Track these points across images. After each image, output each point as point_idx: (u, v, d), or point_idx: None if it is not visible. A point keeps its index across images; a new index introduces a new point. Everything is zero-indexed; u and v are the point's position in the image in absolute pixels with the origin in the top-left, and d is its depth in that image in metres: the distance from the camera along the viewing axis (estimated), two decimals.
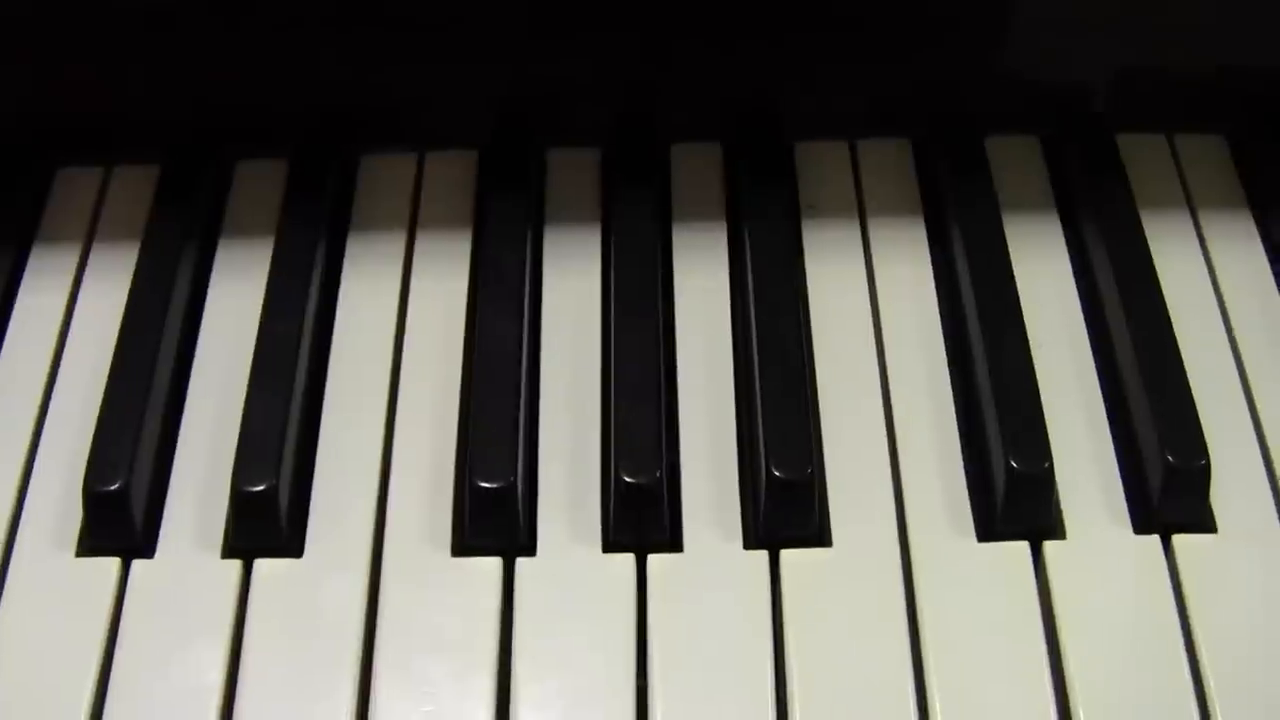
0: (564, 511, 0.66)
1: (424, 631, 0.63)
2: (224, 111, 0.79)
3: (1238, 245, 0.75)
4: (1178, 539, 0.65)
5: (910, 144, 0.80)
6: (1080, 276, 0.74)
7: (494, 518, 0.65)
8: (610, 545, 0.65)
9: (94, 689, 0.62)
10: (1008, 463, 0.64)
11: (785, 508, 0.64)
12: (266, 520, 0.65)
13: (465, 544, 0.65)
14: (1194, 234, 0.76)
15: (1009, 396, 0.67)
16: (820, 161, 0.79)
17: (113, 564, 0.65)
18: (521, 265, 0.73)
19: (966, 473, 0.67)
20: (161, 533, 0.66)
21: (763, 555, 0.64)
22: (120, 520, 0.65)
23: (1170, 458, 0.64)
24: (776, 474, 0.64)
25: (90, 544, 0.66)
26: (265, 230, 0.76)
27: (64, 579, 0.65)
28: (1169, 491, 0.65)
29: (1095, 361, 0.71)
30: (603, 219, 0.77)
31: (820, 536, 0.65)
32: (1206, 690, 0.60)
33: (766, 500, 0.64)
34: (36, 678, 0.62)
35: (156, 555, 0.66)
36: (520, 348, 0.69)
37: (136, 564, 0.65)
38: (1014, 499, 0.64)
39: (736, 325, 0.72)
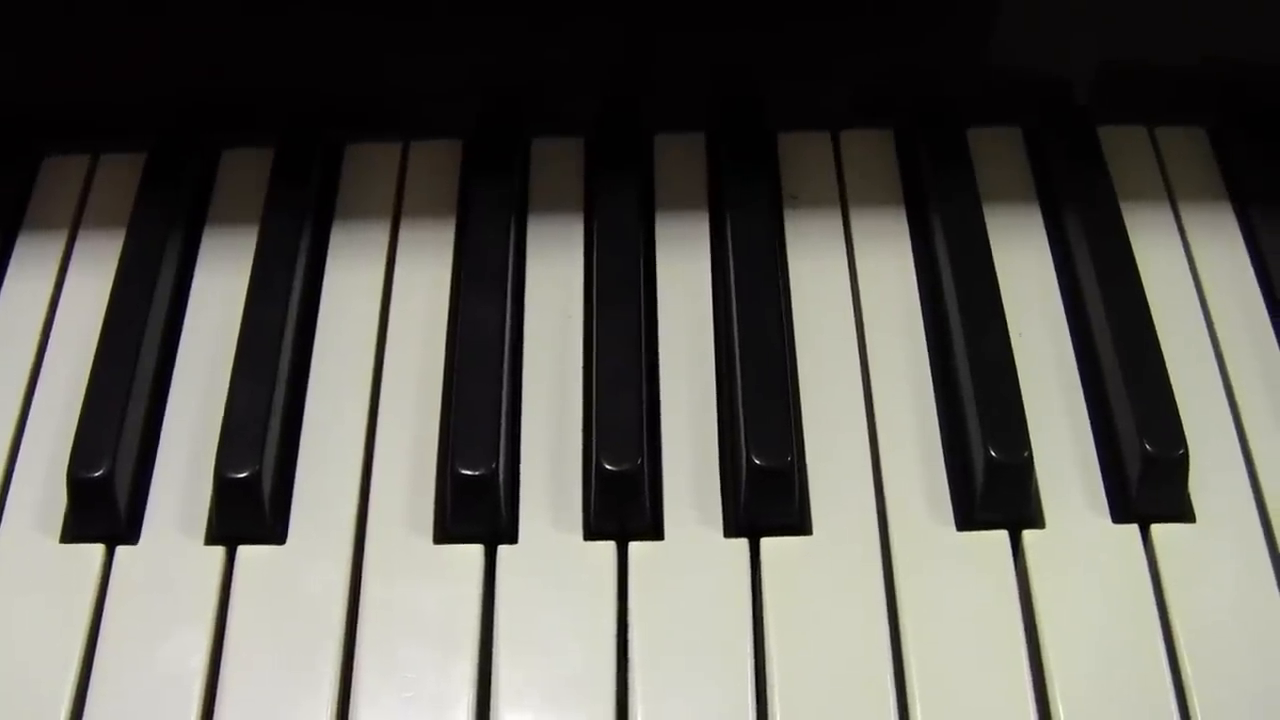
0: (545, 499, 0.66)
1: (406, 618, 0.63)
2: (210, 100, 0.79)
3: (1218, 237, 0.75)
4: (1156, 528, 0.65)
5: (893, 135, 0.80)
6: (1061, 267, 0.74)
7: (475, 505, 0.65)
8: (591, 533, 0.65)
9: (77, 675, 0.62)
10: (987, 452, 0.65)
11: (765, 495, 0.65)
12: (249, 507, 0.65)
13: (447, 531, 0.66)
14: (1174, 226, 0.76)
15: (989, 386, 0.67)
16: (803, 152, 0.79)
17: (97, 550, 0.65)
18: (505, 254, 0.73)
19: (946, 462, 0.67)
20: (145, 519, 0.67)
21: (743, 543, 0.65)
22: (104, 507, 0.66)
23: (1149, 447, 0.65)
24: (756, 462, 0.64)
25: (74, 531, 0.66)
26: (250, 218, 0.76)
27: (48, 565, 0.65)
28: (1147, 481, 0.65)
29: (1075, 352, 0.71)
30: (586, 208, 0.77)
31: (800, 524, 0.65)
32: (1184, 679, 0.61)
33: (747, 488, 0.65)
34: (20, 663, 0.62)
35: (140, 542, 0.66)
36: (502, 336, 0.69)
37: (120, 550, 0.65)
38: (993, 488, 0.65)
39: (718, 314, 0.72)
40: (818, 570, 0.64)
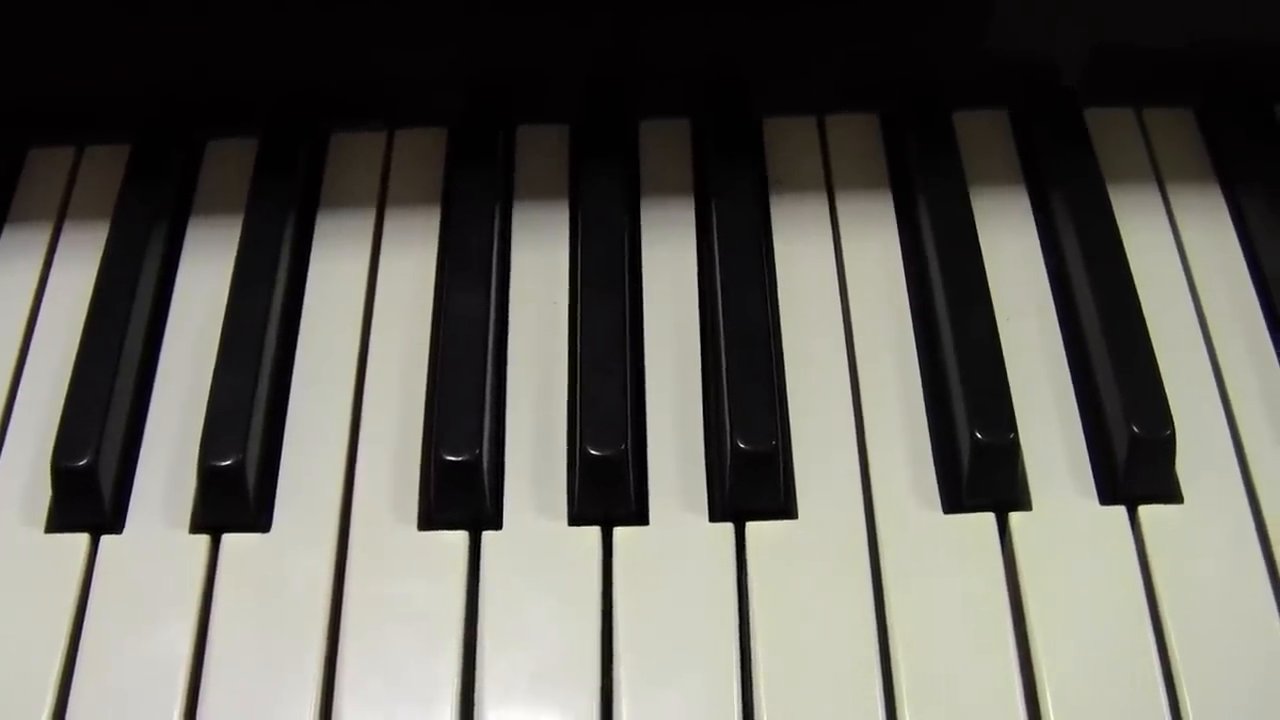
0: (530, 485, 0.66)
1: (390, 605, 0.63)
2: (194, 90, 0.79)
3: (1205, 218, 0.75)
4: (1144, 510, 0.65)
5: (879, 119, 0.80)
6: (1048, 250, 0.74)
7: (460, 491, 0.65)
8: (576, 518, 0.65)
9: (62, 663, 0.62)
10: (972, 434, 0.64)
11: (750, 480, 0.64)
12: (234, 495, 0.65)
13: (431, 518, 0.65)
14: (1162, 207, 0.76)
15: (974, 369, 0.67)
16: (789, 137, 0.79)
17: (81, 540, 0.65)
18: (489, 241, 0.73)
19: (932, 445, 0.67)
20: (130, 509, 0.67)
21: (728, 528, 0.64)
22: (88, 496, 0.66)
23: (1135, 428, 0.64)
24: (741, 446, 0.64)
25: (59, 520, 0.66)
26: (235, 208, 0.76)
27: (33, 555, 0.65)
28: (1134, 462, 0.65)
29: (1062, 334, 0.71)
30: (571, 194, 0.77)
31: (786, 509, 0.65)
32: (1172, 660, 0.61)
33: (731, 472, 0.64)
34: (4, 653, 0.62)
35: (125, 531, 0.66)
36: (487, 322, 0.69)
37: (105, 540, 0.65)
38: (979, 470, 0.65)
39: (704, 299, 0.72)
40: (803, 554, 0.64)
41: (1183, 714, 0.59)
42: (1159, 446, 0.65)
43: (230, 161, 0.79)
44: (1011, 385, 0.66)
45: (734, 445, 0.64)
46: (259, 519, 0.66)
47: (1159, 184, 0.77)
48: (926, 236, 0.73)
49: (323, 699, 0.61)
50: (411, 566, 0.64)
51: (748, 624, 0.62)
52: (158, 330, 0.73)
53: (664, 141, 0.79)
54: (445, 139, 0.80)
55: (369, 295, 0.73)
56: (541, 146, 0.79)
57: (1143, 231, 0.74)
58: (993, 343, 0.68)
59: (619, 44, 0.78)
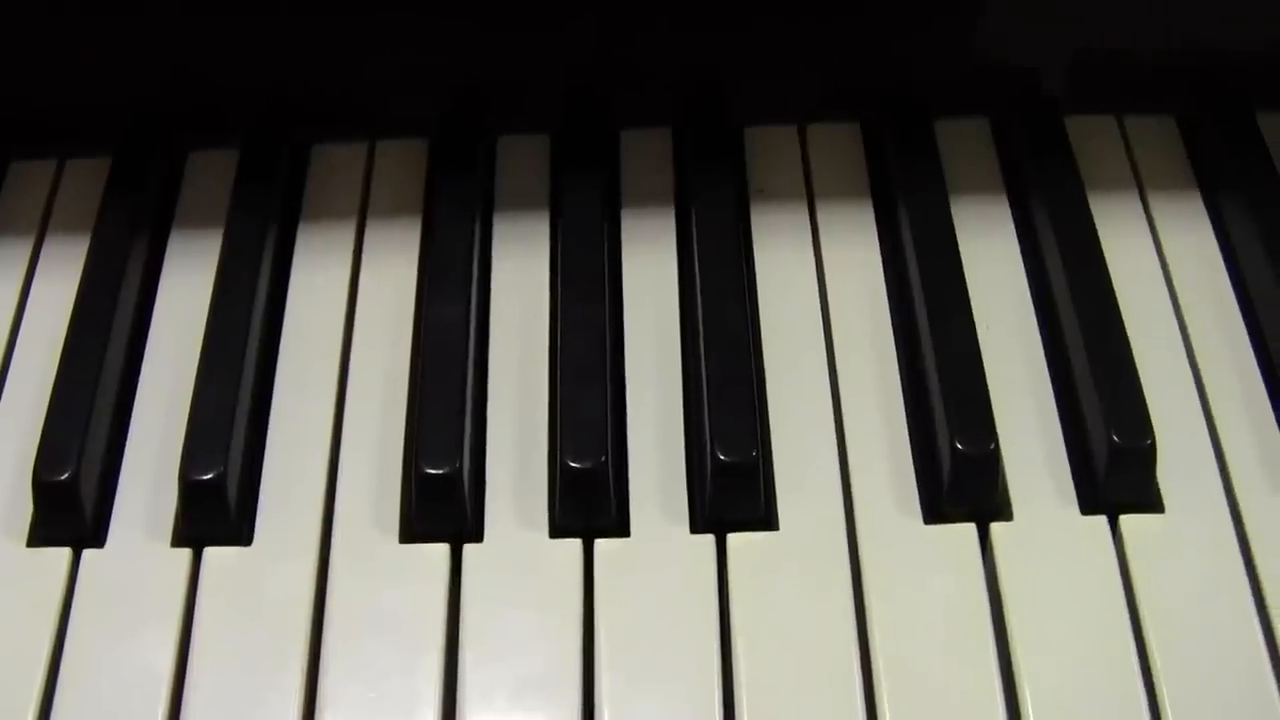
0: (511, 496, 0.66)
1: (372, 618, 0.63)
2: (176, 102, 0.79)
3: (1186, 225, 0.75)
4: (1125, 519, 0.65)
5: (860, 127, 0.80)
6: (1028, 258, 0.74)
7: (440, 503, 0.65)
8: (557, 531, 0.65)
9: (44, 677, 0.62)
10: (953, 444, 0.64)
11: (731, 491, 0.64)
12: (215, 509, 0.65)
13: (413, 531, 0.65)
14: (1143, 214, 0.76)
15: (955, 378, 0.67)
16: (770, 145, 0.79)
17: (63, 554, 0.65)
18: (470, 251, 0.73)
19: (913, 455, 0.67)
20: (112, 522, 0.67)
21: (709, 539, 0.64)
22: (70, 510, 0.66)
23: (1116, 438, 0.64)
24: (721, 457, 0.64)
25: (41, 534, 0.66)
26: (217, 220, 0.76)
27: (14, 569, 0.65)
28: (1115, 472, 0.65)
29: (1043, 343, 0.71)
30: (553, 204, 0.77)
31: (767, 520, 0.65)
32: (1153, 669, 0.61)
33: (712, 484, 0.64)
34: None
35: (107, 545, 0.66)
36: (467, 333, 0.69)
37: (87, 554, 0.65)
38: (959, 480, 0.65)
39: (685, 308, 0.72)
40: (784, 566, 0.64)
41: None
42: (1140, 456, 0.65)
43: (211, 173, 0.79)
44: (992, 394, 0.66)
45: (714, 457, 0.64)
46: (241, 532, 0.66)
47: (1140, 191, 0.77)
48: (907, 245, 0.73)
49: (305, 712, 0.61)
50: (393, 579, 0.64)
51: (729, 635, 0.62)
52: (139, 343, 0.73)
53: (645, 151, 0.79)
54: (426, 150, 0.80)
55: (350, 307, 0.73)
56: (522, 156, 0.79)
57: (1124, 239, 0.74)
58: (973, 352, 0.68)
59: (600, 54, 0.78)
